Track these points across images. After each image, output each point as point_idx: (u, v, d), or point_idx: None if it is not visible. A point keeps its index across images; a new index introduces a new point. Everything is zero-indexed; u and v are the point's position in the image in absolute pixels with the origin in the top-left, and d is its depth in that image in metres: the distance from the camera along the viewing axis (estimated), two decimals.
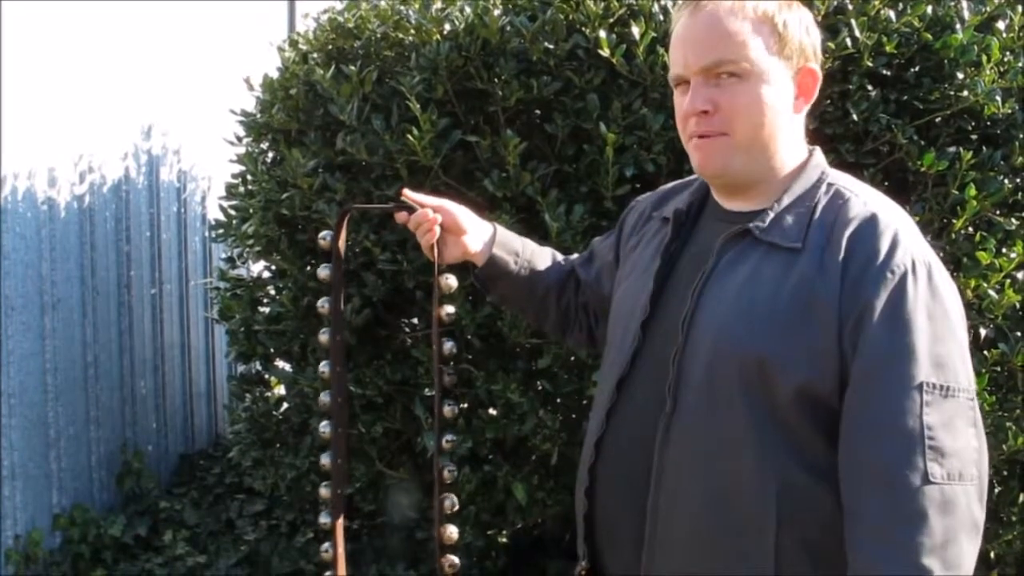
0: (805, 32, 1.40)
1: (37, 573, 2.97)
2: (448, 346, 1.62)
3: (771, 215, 1.38)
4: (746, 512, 1.34)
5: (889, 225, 1.33)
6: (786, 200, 1.39)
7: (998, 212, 2.54)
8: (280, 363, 2.94)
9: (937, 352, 1.29)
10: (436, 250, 1.61)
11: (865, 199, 1.38)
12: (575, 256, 1.79)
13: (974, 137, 2.55)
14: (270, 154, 2.95)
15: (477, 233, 1.67)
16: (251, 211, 2.87)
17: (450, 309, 1.63)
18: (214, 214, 3.22)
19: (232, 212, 2.99)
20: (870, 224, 1.33)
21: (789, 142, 1.41)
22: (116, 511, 3.29)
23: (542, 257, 1.74)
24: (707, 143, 1.40)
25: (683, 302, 1.41)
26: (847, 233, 1.32)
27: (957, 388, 1.30)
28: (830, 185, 1.40)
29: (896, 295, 1.29)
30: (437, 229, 1.62)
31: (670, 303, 1.44)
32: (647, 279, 1.48)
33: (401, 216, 1.64)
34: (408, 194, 1.63)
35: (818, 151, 1.46)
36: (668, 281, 1.46)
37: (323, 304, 1.67)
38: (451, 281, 1.63)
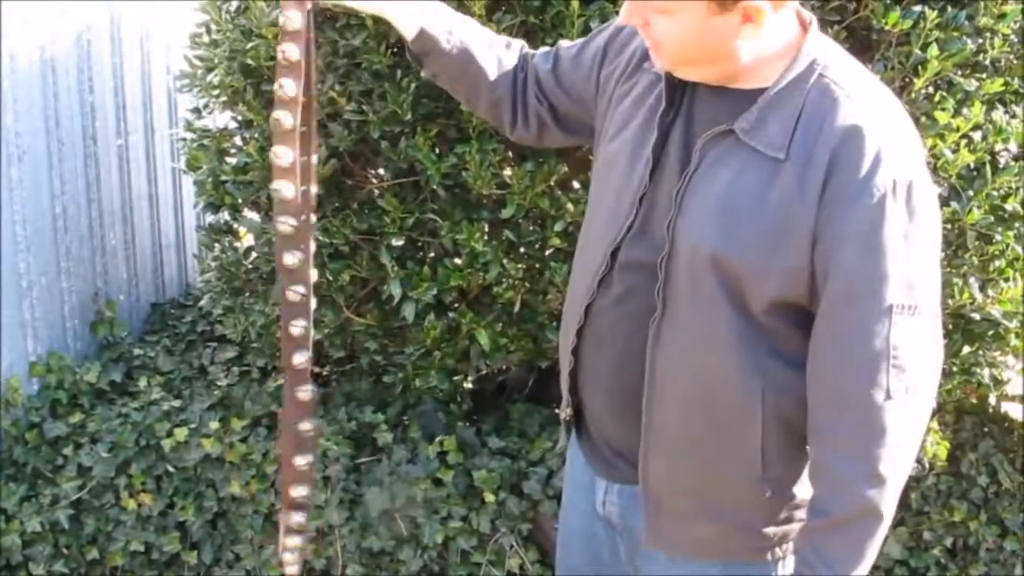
0: None
1: (17, 417, 3.05)
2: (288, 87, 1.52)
3: (755, 113, 1.36)
4: (732, 409, 1.43)
5: (874, 139, 1.31)
6: (772, 94, 1.36)
7: (959, 72, 2.57)
8: (248, 213, 2.98)
9: (909, 272, 1.32)
10: None
11: (855, 103, 1.34)
12: (527, 50, 1.72)
13: None
14: (234, 3, 2.90)
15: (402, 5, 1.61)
16: (216, 61, 2.85)
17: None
18: (178, 64, 3.18)
19: (197, 62, 2.96)
20: (854, 138, 1.31)
21: (753, 45, 1.35)
22: (91, 358, 3.36)
23: (480, 41, 1.66)
24: (648, 43, 1.40)
25: (671, 196, 1.42)
26: (830, 148, 1.31)
27: (924, 306, 1.34)
28: (820, 76, 1.36)
29: (872, 219, 1.30)
30: None
31: (663, 183, 1.45)
32: (643, 149, 1.47)
33: None
34: None
35: (813, 29, 1.40)
36: (662, 155, 1.46)
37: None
38: (294, 20, 1.49)
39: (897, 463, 1.37)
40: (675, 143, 1.45)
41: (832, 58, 1.39)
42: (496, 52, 1.68)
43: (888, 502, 1.38)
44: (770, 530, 1.49)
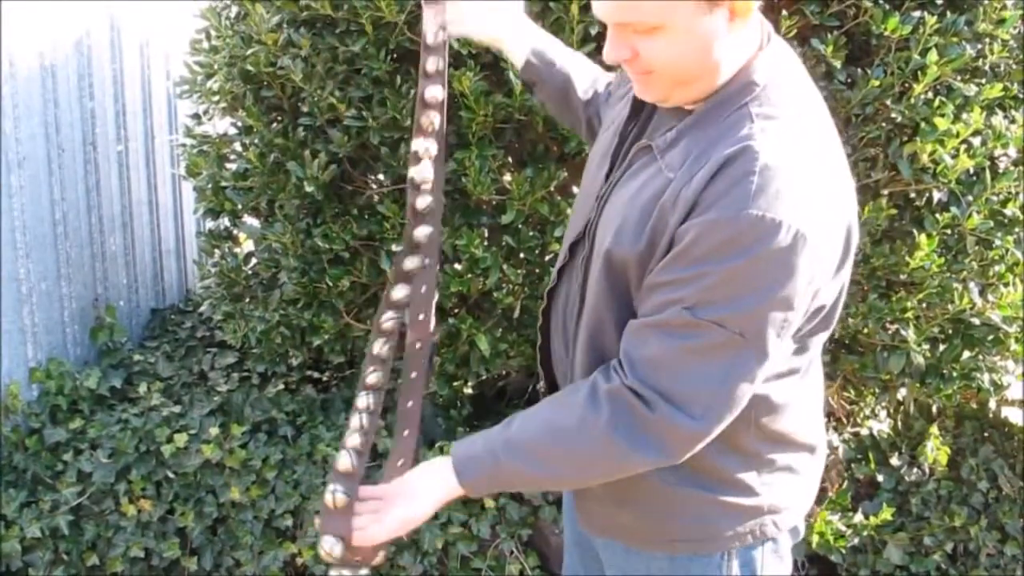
0: None
1: (17, 423, 3.05)
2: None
3: (673, 133, 1.38)
4: None
5: (747, 169, 1.27)
6: (694, 117, 1.37)
7: (958, 78, 2.57)
8: (248, 219, 2.98)
9: (714, 292, 1.29)
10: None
11: (760, 136, 1.30)
12: (601, 82, 1.83)
13: (939, 2, 2.56)
14: (234, 9, 2.91)
15: (515, 32, 1.77)
16: (216, 67, 2.86)
17: None
18: (178, 70, 3.18)
19: (197, 68, 2.97)
20: (729, 163, 1.28)
21: (730, 54, 1.34)
22: (91, 364, 3.36)
23: (577, 75, 1.80)
24: (636, 78, 1.40)
25: (596, 200, 1.50)
26: (709, 171, 1.29)
27: (720, 325, 1.30)
28: (745, 105, 1.33)
29: (703, 232, 1.28)
30: None
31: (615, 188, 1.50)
32: (607, 156, 1.52)
33: None
34: None
35: (770, 48, 1.38)
36: (621, 163, 1.50)
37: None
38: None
39: (602, 453, 1.38)
40: (622, 151, 1.50)
41: (773, 82, 1.36)
42: (584, 88, 1.80)
43: (549, 464, 1.41)
44: (692, 525, 1.48)
